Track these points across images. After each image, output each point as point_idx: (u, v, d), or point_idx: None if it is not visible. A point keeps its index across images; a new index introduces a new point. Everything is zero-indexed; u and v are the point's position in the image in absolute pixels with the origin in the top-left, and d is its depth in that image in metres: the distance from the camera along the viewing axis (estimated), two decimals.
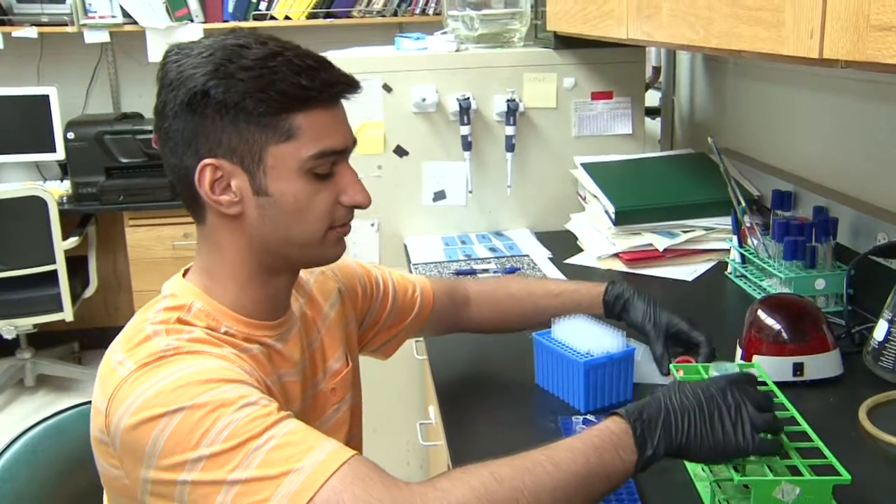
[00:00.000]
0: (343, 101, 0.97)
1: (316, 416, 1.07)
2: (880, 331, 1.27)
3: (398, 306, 1.29)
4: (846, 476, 0.88)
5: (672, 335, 1.28)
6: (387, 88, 2.12)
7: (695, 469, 1.04)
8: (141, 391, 0.83)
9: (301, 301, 1.11)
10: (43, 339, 3.73)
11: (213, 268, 0.98)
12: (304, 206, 0.94)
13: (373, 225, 2.18)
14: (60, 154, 3.63)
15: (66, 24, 3.61)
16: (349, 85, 0.96)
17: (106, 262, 3.96)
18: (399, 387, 2.27)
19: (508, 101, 2.10)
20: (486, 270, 1.85)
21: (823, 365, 1.25)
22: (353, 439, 1.17)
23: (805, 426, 0.99)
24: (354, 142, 0.99)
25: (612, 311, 1.32)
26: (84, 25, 3.61)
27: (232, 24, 3.69)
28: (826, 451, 0.93)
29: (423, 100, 2.11)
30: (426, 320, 1.33)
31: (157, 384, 0.83)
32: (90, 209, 3.57)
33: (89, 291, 3.66)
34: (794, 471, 0.91)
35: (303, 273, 1.14)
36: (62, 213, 3.35)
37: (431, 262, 1.94)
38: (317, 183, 0.95)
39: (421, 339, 1.67)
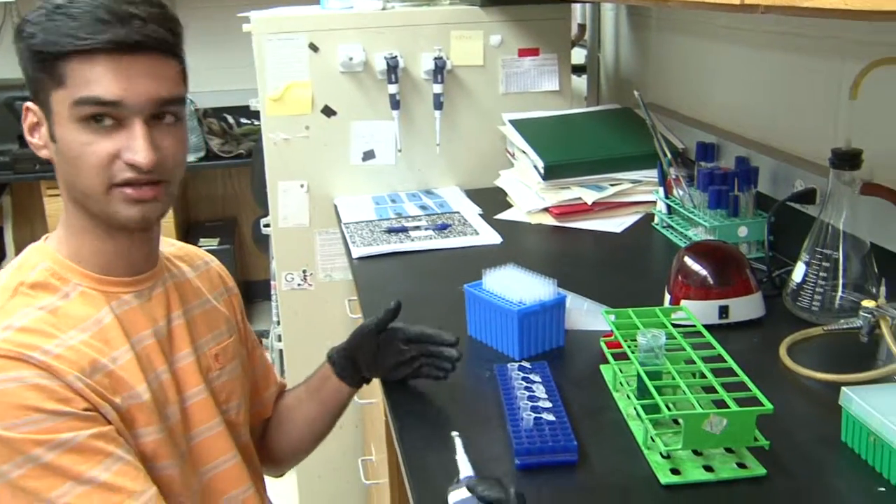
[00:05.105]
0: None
1: (202, 374, 1.09)
2: (798, 273, 1.32)
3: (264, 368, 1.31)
4: (769, 406, 0.92)
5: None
6: (313, 48, 2.08)
7: (627, 409, 1.07)
8: None
9: (190, 270, 1.15)
10: None
11: (63, 218, 1.02)
12: (77, 156, 0.94)
13: (302, 186, 2.16)
14: None
15: None
16: (147, 40, 0.91)
17: (23, 234, 3.82)
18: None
19: (436, 59, 2.09)
20: (417, 228, 1.85)
21: (747, 307, 1.30)
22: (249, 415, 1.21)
23: (731, 363, 1.03)
24: (164, 102, 0.94)
25: (356, 369, 1.24)
26: None
27: None
28: (750, 385, 0.97)
29: (350, 59, 2.08)
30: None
31: None
32: (3, 179, 3.44)
33: (5, 264, 3.54)
34: (721, 404, 0.95)
35: (206, 255, 1.22)
36: None
37: (362, 222, 1.93)
38: (92, 135, 0.93)
39: (355, 297, 1.67)
